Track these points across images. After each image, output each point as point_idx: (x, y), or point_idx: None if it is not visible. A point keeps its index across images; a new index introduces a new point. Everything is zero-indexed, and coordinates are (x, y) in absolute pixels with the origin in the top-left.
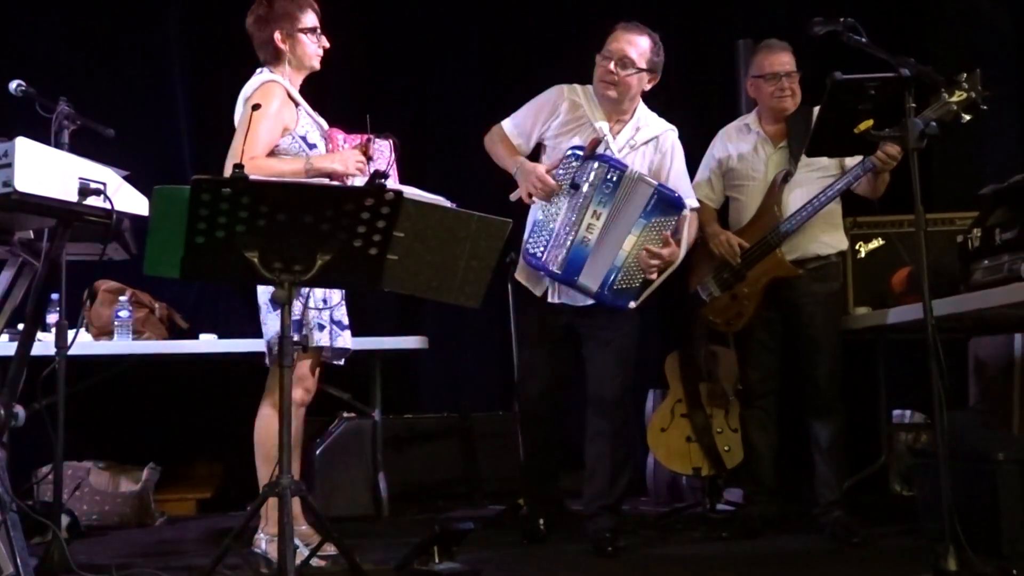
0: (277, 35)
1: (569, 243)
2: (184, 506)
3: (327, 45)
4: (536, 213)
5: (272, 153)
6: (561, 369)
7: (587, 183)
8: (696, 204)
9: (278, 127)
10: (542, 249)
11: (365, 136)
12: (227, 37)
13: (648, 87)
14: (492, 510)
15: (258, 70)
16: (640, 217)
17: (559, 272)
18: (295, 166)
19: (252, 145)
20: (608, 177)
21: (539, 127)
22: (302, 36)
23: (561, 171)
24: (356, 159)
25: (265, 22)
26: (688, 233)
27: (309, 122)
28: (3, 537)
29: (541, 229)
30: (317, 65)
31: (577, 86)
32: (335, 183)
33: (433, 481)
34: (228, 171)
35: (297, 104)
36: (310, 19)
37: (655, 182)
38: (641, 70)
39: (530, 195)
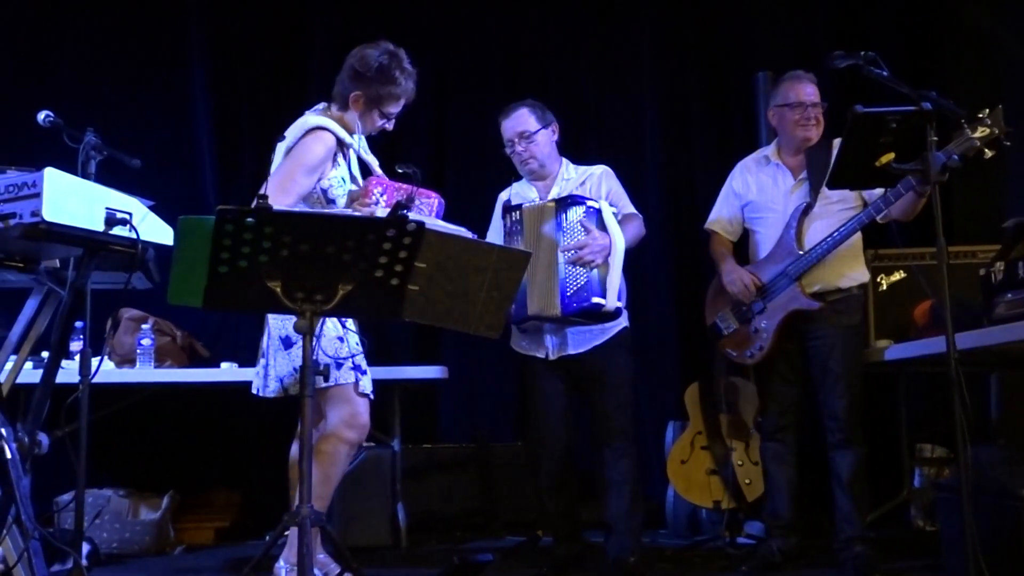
0: (356, 94)
1: None
2: (202, 534)
3: (388, 128)
4: None
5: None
6: (568, 413)
7: (505, 234)
8: (635, 210)
9: (314, 177)
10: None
11: (408, 186)
12: (251, 70)
13: (555, 137)
14: (510, 541)
15: (321, 105)
16: (557, 232)
17: (516, 318)
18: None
19: (283, 192)
20: (513, 216)
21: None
22: (375, 114)
23: None
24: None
25: (360, 78)
26: (630, 229)
27: (342, 173)
28: (25, 564)
29: None
30: (365, 134)
31: (512, 185)
32: (357, 213)
33: (451, 511)
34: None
35: (345, 147)
36: (395, 107)
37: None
38: (538, 130)
39: None
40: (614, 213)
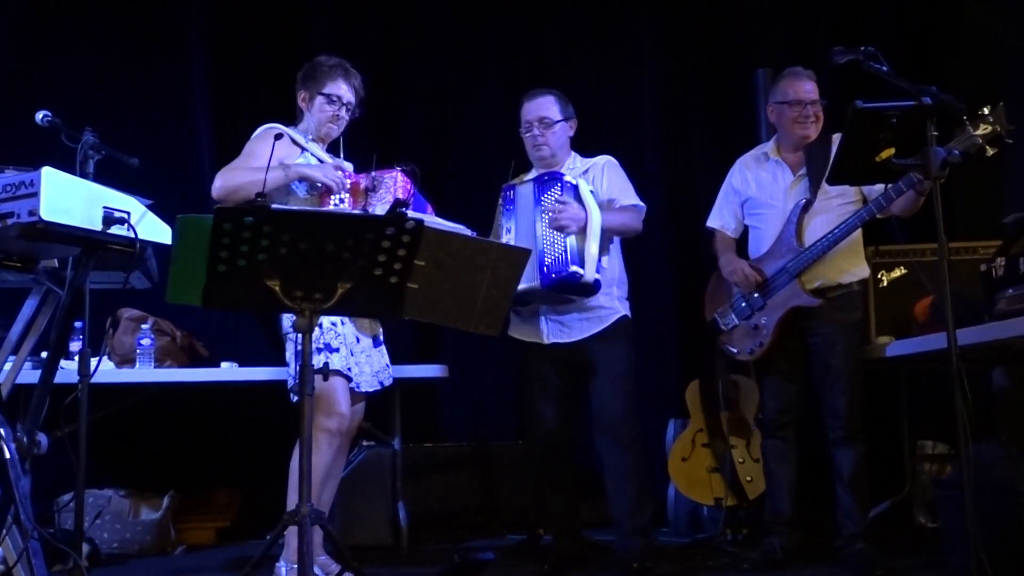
0: (301, 94)
1: None
2: (203, 535)
3: (343, 116)
4: None
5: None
6: (567, 407)
7: (498, 217)
8: (637, 201)
9: (267, 154)
10: None
11: (362, 174)
12: (249, 69)
13: (572, 133)
14: (511, 539)
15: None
16: (536, 207)
17: None
18: (275, 173)
19: (239, 159)
20: (506, 197)
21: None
22: (319, 100)
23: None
24: (335, 172)
25: (300, 81)
26: (621, 215)
27: (307, 161)
28: (25, 565)
29: None
30: (330, 133)
31: (520, 177)
32: (356, 212)
33: (452, 510)
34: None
35: (303, 149)
36: (333, 87)
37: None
38: (559, 121)
39: None
40: (608, 199)
